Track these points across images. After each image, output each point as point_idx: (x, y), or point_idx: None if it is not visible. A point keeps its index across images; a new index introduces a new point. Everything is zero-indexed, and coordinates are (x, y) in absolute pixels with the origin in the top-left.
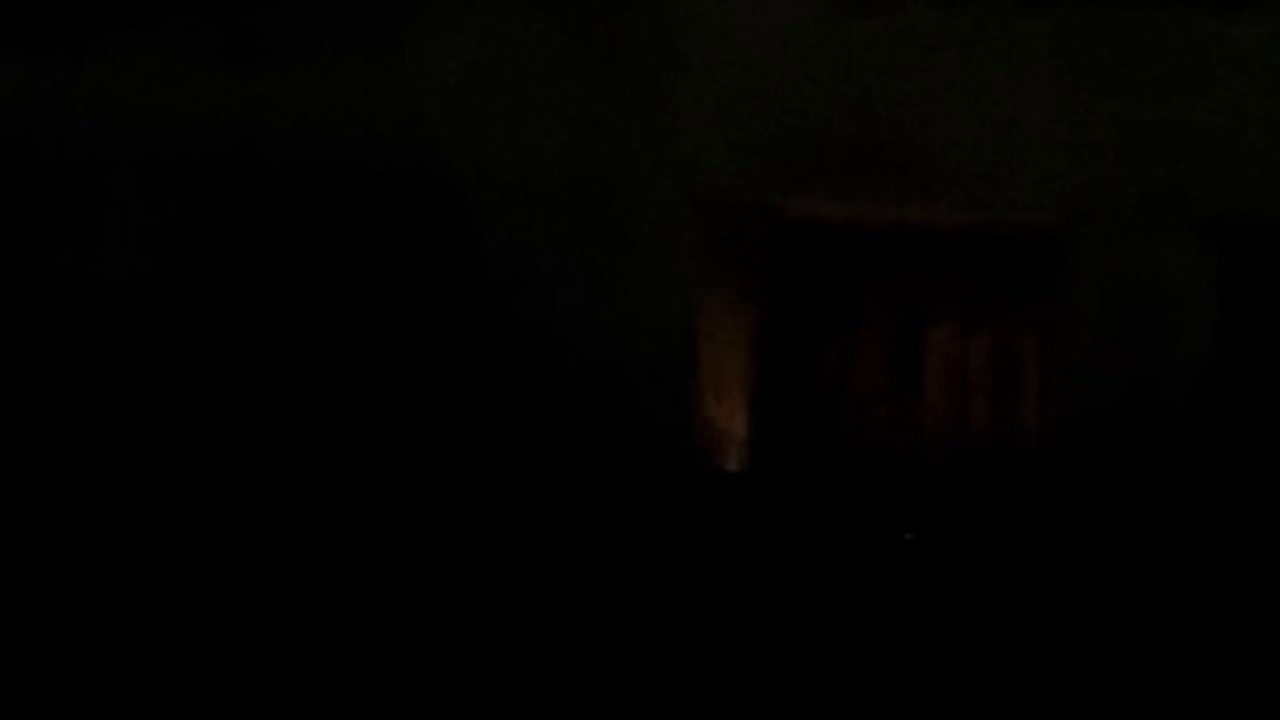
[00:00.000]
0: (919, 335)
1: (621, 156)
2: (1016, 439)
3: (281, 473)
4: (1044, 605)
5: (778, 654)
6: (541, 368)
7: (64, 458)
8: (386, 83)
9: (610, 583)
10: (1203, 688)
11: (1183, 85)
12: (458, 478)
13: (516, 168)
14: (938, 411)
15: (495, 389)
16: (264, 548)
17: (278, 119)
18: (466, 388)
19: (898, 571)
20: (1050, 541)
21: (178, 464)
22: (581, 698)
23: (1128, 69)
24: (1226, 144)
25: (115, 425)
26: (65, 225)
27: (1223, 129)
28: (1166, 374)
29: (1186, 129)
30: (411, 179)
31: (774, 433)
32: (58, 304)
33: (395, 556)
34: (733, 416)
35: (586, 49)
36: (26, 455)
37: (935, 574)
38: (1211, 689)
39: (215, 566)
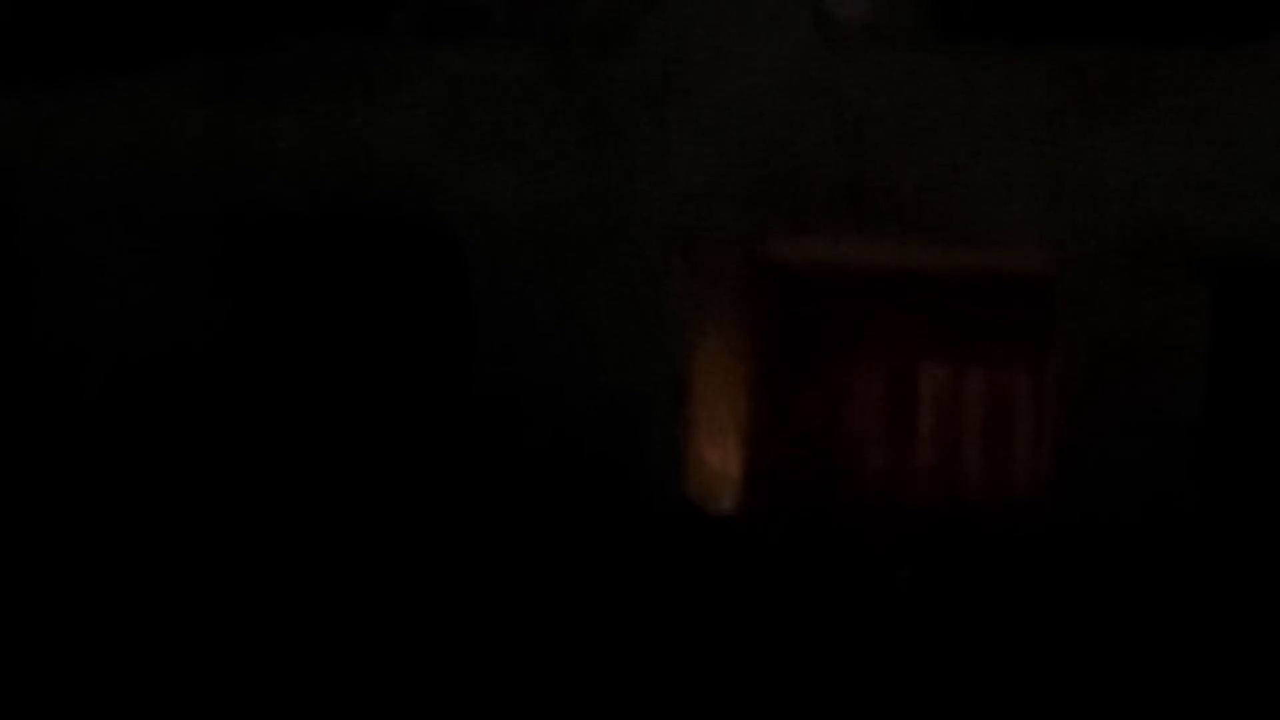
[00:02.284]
0: (912, 376)
1: (612, 199)
2: (1009, 479)
3: (275, 518)
4: (1038, 647)
5: (771, 696)
6: (535, 410)
7: (67, 480)
8: (377, 127)
9: (603, 626)
10: None
11: (1175, 126)
12: (451, 521)
13: (507, 211)
14: (930, 452)
15: (488, 430)
16: (256, 592)
17: (268, 162)
18: (460, 429)
19: (890, 613)
20: (1044, 582)
21: (169, 508)
22: None
23: (1119, 110)
24: (1218, 185)
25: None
26: (61, 265)
27: (1215, 169)
28: (1159, 415)
29: (1179, 169)
30: (403, 223)
31: (767, 474)
32: (58, 341)
33: (389, 593)
34: (726, 458)
35: (575, 92)
36: (34, 479)
37: (928, 616)
38: None
39: (207, 607)
